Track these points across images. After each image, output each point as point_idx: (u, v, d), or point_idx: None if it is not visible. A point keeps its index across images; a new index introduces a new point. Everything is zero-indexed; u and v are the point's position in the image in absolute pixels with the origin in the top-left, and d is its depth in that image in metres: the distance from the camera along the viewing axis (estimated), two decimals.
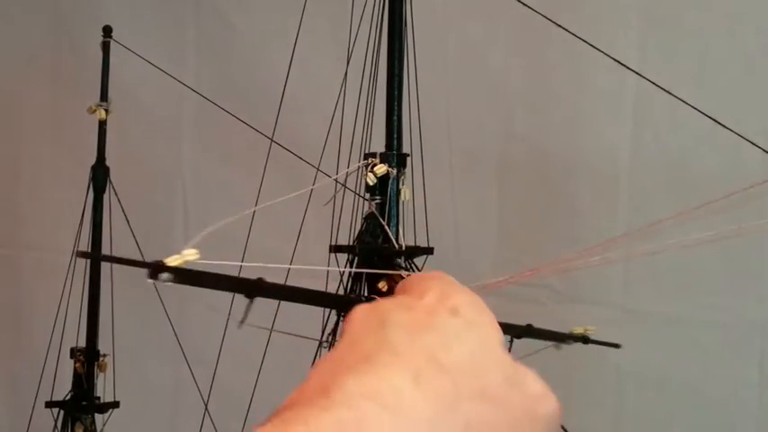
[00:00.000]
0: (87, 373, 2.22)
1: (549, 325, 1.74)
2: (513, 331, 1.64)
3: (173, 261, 1.06)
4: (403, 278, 1.54)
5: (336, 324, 1.47)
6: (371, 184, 1.52)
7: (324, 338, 1.48)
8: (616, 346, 1.78)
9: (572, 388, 2.49)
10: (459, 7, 2.69)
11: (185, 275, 1.08)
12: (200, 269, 1.07)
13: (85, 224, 2.25)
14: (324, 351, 1.54)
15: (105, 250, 2.23)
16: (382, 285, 1.52)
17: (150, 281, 1.03)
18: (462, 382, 0.64)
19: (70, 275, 2.25)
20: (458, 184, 2.67)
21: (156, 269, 1.06)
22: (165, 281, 1.07)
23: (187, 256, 1.06)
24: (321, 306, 1.48)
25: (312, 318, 1.54)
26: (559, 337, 1.69)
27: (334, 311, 1.51)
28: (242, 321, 1.25)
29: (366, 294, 1.54)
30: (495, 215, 2.67)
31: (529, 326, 1.67)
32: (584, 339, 1.72)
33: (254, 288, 1.25)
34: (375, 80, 1.63)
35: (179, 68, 2.91)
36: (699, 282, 2.39)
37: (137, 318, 2.97)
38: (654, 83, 1.69)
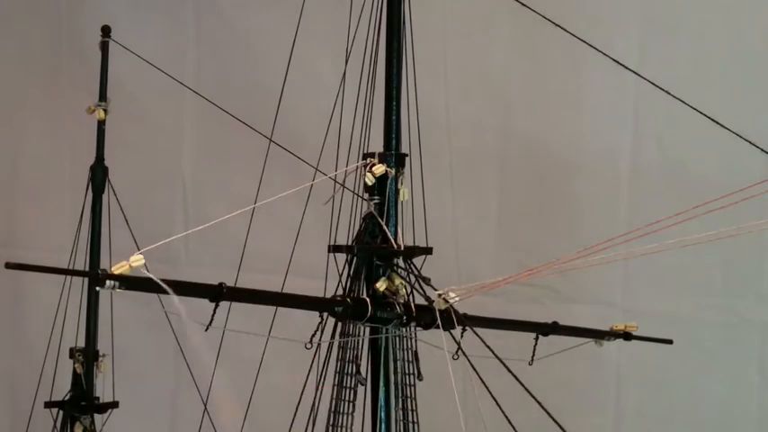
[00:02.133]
0: (86, 373, 2.22)
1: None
2: (538, 329, 1.66)
3: (119, 268, 1.07)
4: (403, 278, 1.54)
5: (319, 325, 1.48)
6: (370, 184, 1.52)
7: (309, 342, 1.48)
8: (668, 342, 1.82)
9: (572, 388, 2.49)
10: (458, 7, 2.69)
11: (134, 282, 1.09)
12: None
13: (84, 224, 2.25)
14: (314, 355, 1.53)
15: (104, 250, 2.23)
16: (380, 285, 1.52)
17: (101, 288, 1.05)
18: None
19: (69, 276, 2.25)
20: (457, 184, 2.66)
21: (95, 279, 1.08)
22: (111, 288, 1.09)
23: (133, 263, 1.07)
24: (288, 307, 1.49)
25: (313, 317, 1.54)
26: (598, 335, 1.71)
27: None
28: (208, 325, 1.27)
29: (343, 294, 1.54)
30: (494, 215, 2.67)
31: (555, 323, 1.68)
32: (626, 336, 1.74)
33: (217, 293, 1.28)
34: (374, 80, 1.63)
35: (179, 68, 2.91)
36: (698, 282, 2.39)
37: (136, 318, 2.97)
38: (653, 83, 1.69)
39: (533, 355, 1.69)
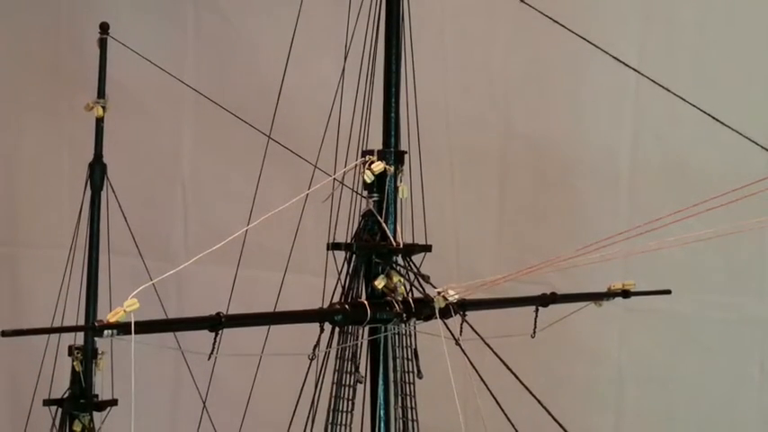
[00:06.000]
0: (85, 370, 2.21)
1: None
2: (537, 301, 1.69)
3: (114, 315, 1.09)
4: (402, 275, 1.54)
5: (319, 336, 1.48)
6: (369, 181, 1.52)
7: (312, 354, 1.49)
8: (666, 292, 1.89)
9: (572, 388, 2.49)
10: (457, 4, 2.69)
11: (131, 328, 1.10)
12: None
13: (83, 221, 2.25)
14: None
15: (103, 248, 2.23)
16: (379, 283, 1.52)
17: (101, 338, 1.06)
18: None
19: (68, 273, 2.24)
20: (457, 182, 2.66)
21: (95, 330, 1.09)
22: (110, 336, 1.10)
23: (128, 308, 1.09)
24: (288, 323, 1.50)
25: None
26: (597, 296, 1.76)
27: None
28: (211, 353, 1.28)
29: (341, 298, 1.54)
30: (494, 212, 2.66)
31: (553, 294, 1.70)
32: (625, 294, 1.78)
33: (216, 323, 1.29)
34: (373, 77, 1.62)
35: (178, 65, 2.91)
36: (699, 280, 2.38)
37: (135, 316, 2.96)
38: (654, 81, 1.68)
39: (535, 327, 1.71)
